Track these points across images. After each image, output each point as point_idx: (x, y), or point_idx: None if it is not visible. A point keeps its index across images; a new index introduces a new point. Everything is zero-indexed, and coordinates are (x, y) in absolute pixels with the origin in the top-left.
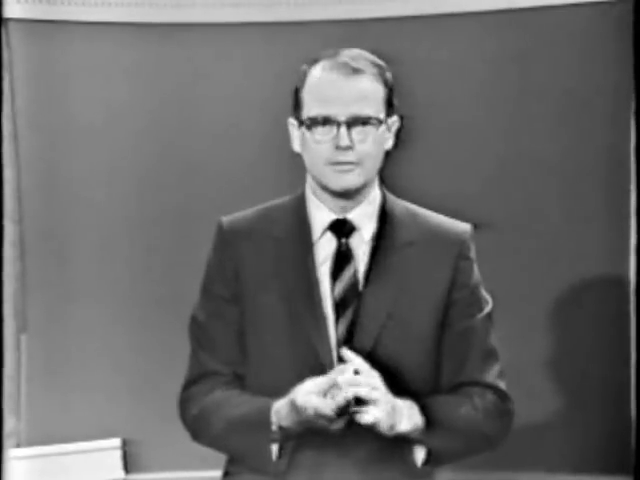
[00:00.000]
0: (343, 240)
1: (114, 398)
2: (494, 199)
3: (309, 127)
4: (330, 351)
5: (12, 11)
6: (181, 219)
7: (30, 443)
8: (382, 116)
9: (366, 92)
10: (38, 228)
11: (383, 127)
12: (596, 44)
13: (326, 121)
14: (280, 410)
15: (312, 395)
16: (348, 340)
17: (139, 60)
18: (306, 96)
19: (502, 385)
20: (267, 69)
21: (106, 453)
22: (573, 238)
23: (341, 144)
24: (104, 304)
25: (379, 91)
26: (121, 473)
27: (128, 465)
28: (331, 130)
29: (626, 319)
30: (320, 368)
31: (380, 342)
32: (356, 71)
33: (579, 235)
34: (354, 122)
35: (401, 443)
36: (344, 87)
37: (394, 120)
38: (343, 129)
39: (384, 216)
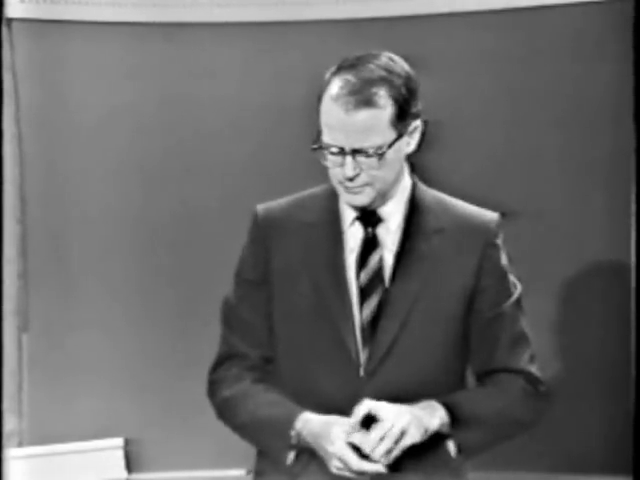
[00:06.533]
0: (369, 229)
1: (116, 397)
2: (492, 198)
3: (321, 150)
4: (354, 336)
5: (15, 11)
6: (182, 218)
7: (32, 442)
8: (390, 140)
9: (369, 124)
10: (40, 227)
11: (392, 148)
12: (596, 44)
13: (334, 150)
14: (301, 432)
15: (349, 454)
16: (373, 325)
17: (141, 59)
18: (321, 113)
19: (533, 369)
20: (267, 69)
21: (108, 453)
22: (573, 237)
23: (347, 174)
24: (106, 303)
25: (385, 116)
26: (123, 473)
27: (130, 465)
28: (339, 158)
29: (627, 319)
30: (344, 353)
31: (406, 326)
32: (360, 104)
33: (579, 235)
34: (358, 153)
35: (433, 442)
36: (347, 121)
37: (415, 126)
38: (349, 159)
39: (413, 205)
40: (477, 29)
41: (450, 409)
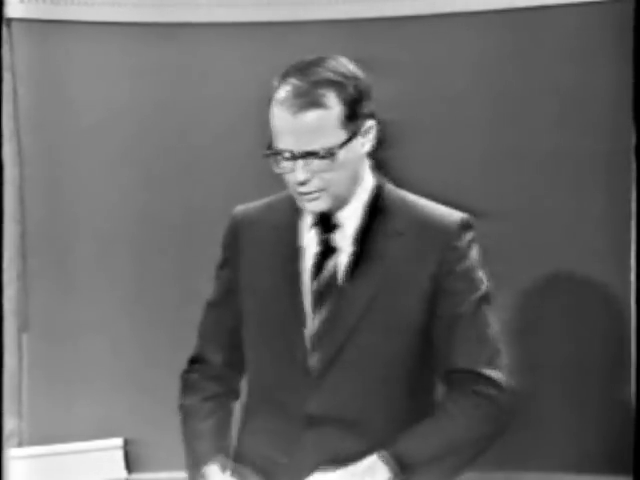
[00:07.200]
0: (325, 236)
1: (116, 398)
2: (492, 197)
3: (270, 157)
4: (304, 342)
5: (15, 11)
6: (183, 218)
7: (32, 443)
8: (340, 141)
9: (317, 125)
10: (40, 227)
11: (344, 149)
12: (596, 44)
13: (286, 155)
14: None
15: None
16: (322, 333)
17: (141, 59)
18: (270, 119)
19: (490, 372)
20: (267, 69)
21: (108, 453)
22: (573, 237)
23: (298, 178)
24: (106, 303)
25: (333, 116)
26: (123, 473)
27: (130, 465)
28: (290, 163)
29: (627, 318)
30: (295, 359)
31: (356, 333)
32: (306, 106)
33: (579, 234)
34: (308, 156)
35: None
36: (295, 124)
37: (368, 126)
38: (299, 164)
39: (374, 208)
40: (477, 29)
41: (399, 459)
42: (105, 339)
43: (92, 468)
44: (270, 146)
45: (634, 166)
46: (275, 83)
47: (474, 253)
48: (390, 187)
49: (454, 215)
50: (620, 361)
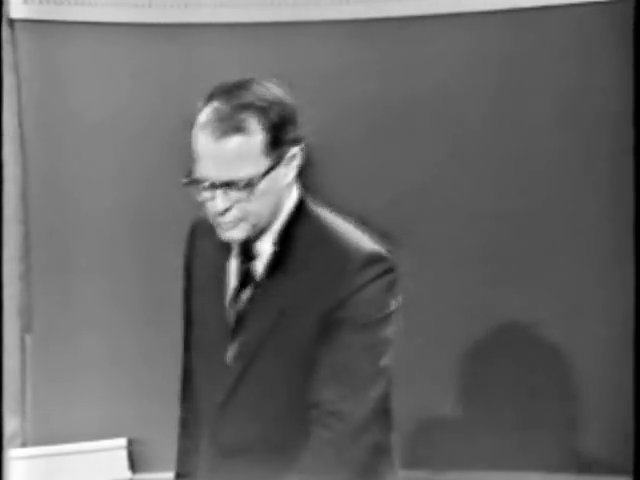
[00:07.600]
0: (245, 265)
1: (119, 398)
2: (493, 197)
3: (190, 186)
4: (224, 375)
5: (18, 11)
6: (185, 218)
7: (35, 443)
8: (263, 169)
9: (239, 152)
10: (43, 227)
11: (266, 179)
12: (596, 44)
13: (205, 185)
14: None
15: None
16: (231, 365)
17: (143, 60)
18: (193, 143)
19: (341, 407)
20: (267, 69)
21: (112, 453)
22: (572, 238)
23: (217, 208)
24: (109, 303)
25: (256, 143)
26: (127, 473)
27: (134, 465)
28: (209, 192)
29: (627, 317)
30: (212, 392)
31: (255, 365)
32: (228, 131)
33: (578, 235)
34: (228, 186)
35: None
36: (216, 150)
37: (292, 154)
38: (218, 193)
39: (289, 238)
40: (478, 29)
41: None
42: (108, 339)
43: (96, 468)
44: (190, 173)
45: (634, 166)
46: (199, 104)
47: (376, 287)
48: (312, 213)
49: (362, 249)
50: (620, 361)
